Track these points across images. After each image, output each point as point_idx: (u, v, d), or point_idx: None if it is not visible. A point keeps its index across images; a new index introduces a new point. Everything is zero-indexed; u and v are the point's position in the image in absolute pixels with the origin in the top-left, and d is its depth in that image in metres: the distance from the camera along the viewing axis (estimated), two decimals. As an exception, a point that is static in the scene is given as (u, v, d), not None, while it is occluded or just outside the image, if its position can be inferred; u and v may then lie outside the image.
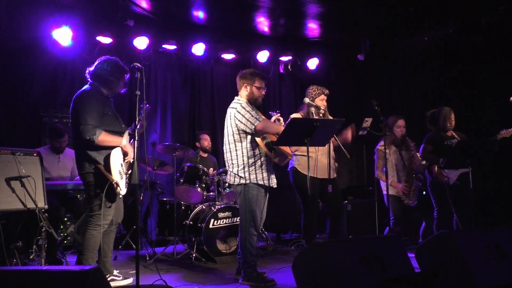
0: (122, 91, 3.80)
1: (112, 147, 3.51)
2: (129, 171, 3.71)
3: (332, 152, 4.47)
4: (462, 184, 4.78)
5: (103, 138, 3.43)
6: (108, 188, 3.44)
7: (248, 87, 3.94)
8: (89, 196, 3.53)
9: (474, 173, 4.56)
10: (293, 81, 7.83)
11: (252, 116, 3.76)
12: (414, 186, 5.08)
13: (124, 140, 3.61)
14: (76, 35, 5.72)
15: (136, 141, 3.33)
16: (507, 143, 4.69)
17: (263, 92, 4.00)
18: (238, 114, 3.79)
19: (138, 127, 3.33)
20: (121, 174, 3.55)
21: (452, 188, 4.80)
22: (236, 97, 4.00)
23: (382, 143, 5.18)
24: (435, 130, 5.02)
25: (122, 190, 3.55)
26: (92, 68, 3.66)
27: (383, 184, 5.27)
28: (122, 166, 3.60)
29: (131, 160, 3.71)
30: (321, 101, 4.45)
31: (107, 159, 3.46)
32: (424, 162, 5.11)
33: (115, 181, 3.44)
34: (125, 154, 3.64)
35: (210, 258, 4.84)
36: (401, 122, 5.24)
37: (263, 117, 4.00)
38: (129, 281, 3.87)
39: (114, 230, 3.83)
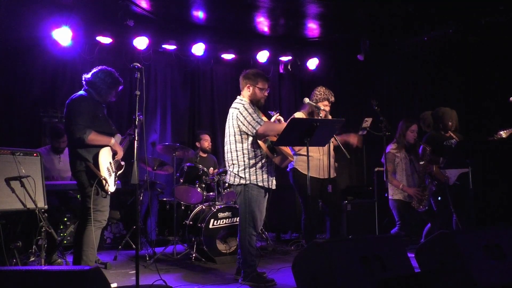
0: (113, 99, 3.91)
1: (102, 146, 3.61)
2: (119, 171, 3.86)
3: (332, 152, 4.47)
4: (462, 184, 4.78)
5: (93, 137, 3.54)
6: (97, 184, 3.54)
7: (251, 88, 3.93)
8: (84, 195, 3.60)
9: (474, 173, 4.56)
10: (293, 81, 7.83)
11: (254, 119, 3.75)
12: (428, 191, 5.03)
13: (113, 140, 3.71)
14: (76, 35, 5.72)
15: (136, 141, 3.36)
16: (506, 143, 4.69)
17: (266, 94, 3.99)
18: (240, 115, 3.78)
19: (134, 129, 3.39)
20: (109, 171, 3.66)
21: (452, 188, 4.79)
22: (238, 97, 3.99)
23: (393, 146, 5.15)
24: (434, 130, 5.02)
25: (111, 186, 3.66)
26: (88, 76, 3.76)
27: (389, 189, 5.21)
28: (111, 164, 3.71)
29: (121, 162, 3.85)
30: (323, 107, 4.41)
31: (96, 156, 3.57)
32: (422, 163, 5.11)
33: (103, 177, 3.55)
34: (114, 153, 3.75)
35: (210, 258, 4.83)
36: (414, 127, 5.19)
37: (265, 119, 4.00)
38: (114, 285, 3.92)
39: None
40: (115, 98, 3.90)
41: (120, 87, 3.86)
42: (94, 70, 3.77)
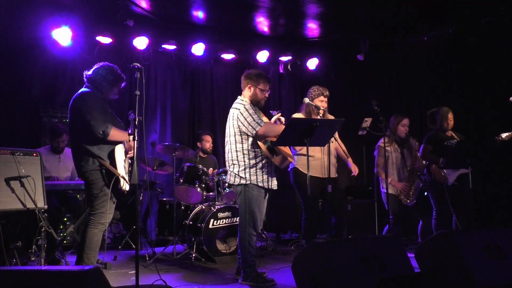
0: (115, 97, 3.79)
1: (116, 143, 3.51)
2: (129, 169, 3.71)
3: (334, 152, 4.48)
4: (461, 185, 4.78)
5: (114, 132, 3.44)
6: (114, 183, 3.43)
7: (252, 88, 3.92)
8: (92, 195, 3.49)
9: (474, 173, 4.56)
10: (292, 81, 7.83)
11: (254, 120, 3.74)
12: (415, 186, 5.05)
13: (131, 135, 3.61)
14: (76, 35, 5.72)
15: (135, 141, 3.33)
16: (507, 145, 4.69)
17: (266, 95, 3.98)
18: (241, 115, 3.78)
19: (134, 129, 3.33)
20: (125, 169, 3.56)
21: (451, 189, 4.80)
22: (239, 97, 3.99)
23: (383, 140, 5.15)
24: (435, 130, 5.03)
25: (128, 183, 3.54)
26: (89, 72, 3.66)
27: (381, 182, 5.24)
28: (124, 162, 3.61)
29: (130, 160, 3.73)
30: (320, 102, 4.44)
31: (111, 154, 3.46)
32: (424, 162, 5.11)
33: (121, 175, 3.44)
34: (127, 150, 3.65)
35: (209, 258, 4.84)
36: (406, 121, 5.23)
37: (266, 119, 4.00)
38: None
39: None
40: (117, 95, 3.78)
41: (123, 84, 3.73)
42: (95, 66, 3.66)
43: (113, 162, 3.45)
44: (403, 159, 5.20)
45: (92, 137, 3.40)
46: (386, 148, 5.15)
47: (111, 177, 3.44)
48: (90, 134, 3.39)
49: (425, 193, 5.08)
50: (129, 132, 3.71)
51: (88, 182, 3.50)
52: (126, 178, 3.54)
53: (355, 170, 4.62)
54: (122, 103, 6.18)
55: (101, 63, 3.70)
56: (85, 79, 3.68)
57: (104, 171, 3.46)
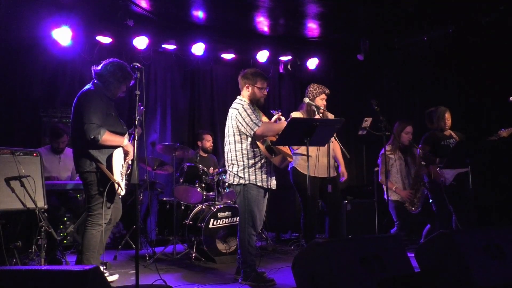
0: (122, 95, 3.78)
1: (114, 147, 3.51)
2: (128, 171, 3.73)
3: (332, 151, 4.48)
4: (458, 185, 4.78)
5: (107, 137, 3.42)
6: (109, 188, 3.43)
7: (250, 88, 3.93)
8: (89, 196, 3.51)
9: (473, 173, 4.56)
10: (292, 81, 7.83)
11: (252, 120, 3.74)
12: (420, 194, 5.03)
13: (126, 140, 3.62)
14: (75, 35, 5.72)
15: (135, 141, 3.33)
16: (507, 142, 4.69)
17: (265, 92, 3.99)
18: (239, 115, 3.78)
19: (134, 129, 3.33)
20: (121, 175, 3.56)
21: (449, 189, 4.80)
22: (238, 97, 3.99)
23: (387, 147, 5.14)
24: (433, 130, 5.02)
25: (123, 190, 3.56)
26: (98, 68, 3.64)
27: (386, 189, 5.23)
28: (122, 166, 3.61)
29: (130, 162, 3.73)
30: (321, 101, 4.45)
31: (109, 159, 3.46)
32: (422, 163, 5.11)
33: (116, 181, 3.44)
34: (125, 154, 3.64)
35: (209, 258, 4.84)
36: (409, 129, 5.22)
37: (266, 118, 4.00)
38: (115, 277, 3.91)
39: (110, 228, 3.83)
40: (124, 93, 3.76)
41: (131, 82, 3.69)
42: (105, 62, 3.64)
43: (109, 167, 3.45)
44: (407, 166, 5.19)
45: (88, 141, 3.39)
46: (390, 156, 5.15)
47: (106, 181, 3.44)
48: (85, 138, 3.39)
49: (430, 201, 5.05)
50: (130, 131, 3.71)
51: (86, 183, 3.52)
52: (122, 183, 3.54)
53: (344, 175, 4.63)
54: (122, 103, 6.18)
55: (111, 59, 3.67)
56: (93, 75, 3.65)
57: (99, 174, 3.46)
